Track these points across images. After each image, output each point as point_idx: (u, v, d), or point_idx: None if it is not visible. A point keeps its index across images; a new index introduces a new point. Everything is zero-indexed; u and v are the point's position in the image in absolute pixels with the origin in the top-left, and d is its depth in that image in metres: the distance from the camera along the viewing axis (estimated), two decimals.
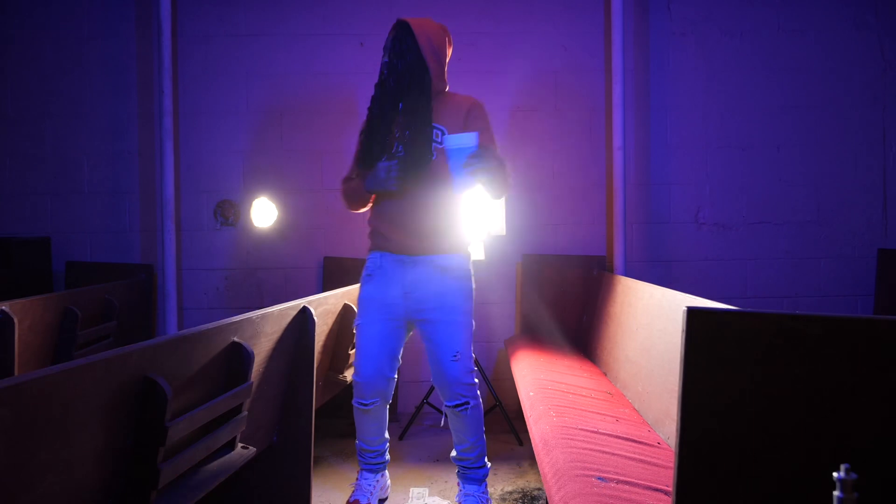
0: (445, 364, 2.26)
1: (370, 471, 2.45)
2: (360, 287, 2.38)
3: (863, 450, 0.90)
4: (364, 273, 2.38)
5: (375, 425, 2.37)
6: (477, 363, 3.39)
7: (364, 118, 2.41)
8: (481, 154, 2.10)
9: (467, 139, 2.12)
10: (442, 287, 2.29)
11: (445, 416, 2.37)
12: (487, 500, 2.37)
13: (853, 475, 0.76)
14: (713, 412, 0.97)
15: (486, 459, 2.37)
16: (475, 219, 3.17)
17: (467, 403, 2.26)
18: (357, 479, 2.48)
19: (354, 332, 2.39)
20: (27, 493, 1.06)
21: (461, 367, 2.26)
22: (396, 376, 2.38)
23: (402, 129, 2.30)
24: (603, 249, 3.82)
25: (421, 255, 2.30)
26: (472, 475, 2.36)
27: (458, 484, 2.40)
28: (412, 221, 2.29)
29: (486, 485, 2.38)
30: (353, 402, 2.35)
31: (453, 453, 2.39)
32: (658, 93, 3.84)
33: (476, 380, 2.30)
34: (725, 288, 3.81)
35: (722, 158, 3.85)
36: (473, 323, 2.34)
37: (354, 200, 2.41)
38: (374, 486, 2.44)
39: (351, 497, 2.42)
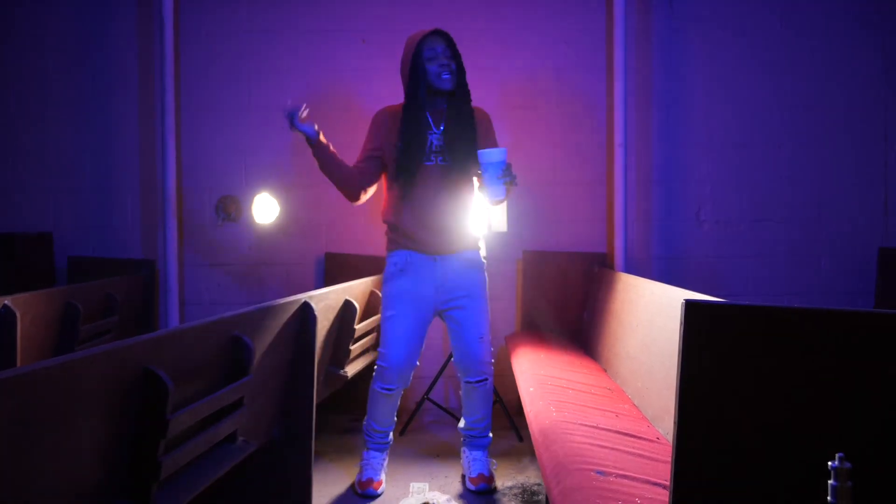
0: (473, 345, 2.55)
1: (377, 450, 2.62)
2: (388, 282, 2.58)
3: (858, 440, 0.91)
4: (393, 269, 2.58)
5: (391, 407, 2.60)
6: None
7: (371, 114, 2.63)
8: (510, 169, 2.40)
9: (499, 154, 2.39)
10: (468, 279, 2.57)
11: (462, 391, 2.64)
12: (490, 460, 2.67)
13: (847, 464, 0.76)
14: (710, 404, 0.97)
15: (489, 431, 2.66)
16: (480, 216, 3.18)
17: (486, 380, 2.57)
18: (363, 459, 2.61)
19: (381, 322, 2.59)
20: (29, 484, 1.07)
21: (485, 348, 2.57)
22: (418, 363, 2.63)
23: (446, 131, 2.54)
24: (604, 246, 3.82)
25: (448, 253, 2.55)
26: (479, 443, 2.64)
27: (464, 451, 2.67)
28: (439, 224, 2.52)
29: (487, 452, 2.66)
30: (375, 386, 2.56)
31: (461, 424, 2.67)
32: (660, 90, 3.84)
33: (492, 359, 2.62)
34: (726, 285, 3.81)
35: (723, 155, 3.85)
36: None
37: (330, 179, 2.58)
38: (382, 464, 2.62)
39: (362, 476, 2.57)
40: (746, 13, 3.84)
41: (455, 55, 2.54)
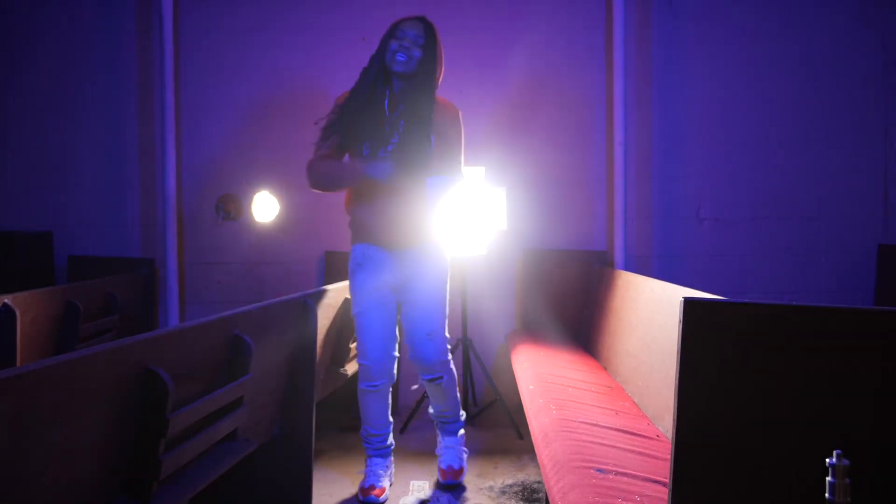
0: (419, 341, 2.44)
1: (379, 456, 2.56)
2: (350, 277, 2.50)
3: (856, 437, 0.91)
4: (352, 264, 2.50)
5: (382, 406, 2.53)
6: (477, 357, 3.40)
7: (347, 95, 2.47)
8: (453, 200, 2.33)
9: (443, 185, 2.34)
10: (423, 273, 2.46)
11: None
12: (462, 448, 2.62)
13: (845, 461, 0.76)
14: (709, 401, 0.97)
15: (459, 414, 2.62)
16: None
17: (441, 377, 2.47)
18: (366, 466, 2.54)
19: (354, 320, 2.50)
20: (30, 482, 1.07)
21: (434, 346, 2.45)
22: (398, 355, 2.55)
23: (400, 117, 2.38)
24: (604, 244, 3.82)
25: (406, 248, 2.45)
26: (451, 428, 2.62)
27: (438, 435, 2.65)
28: (398, 218, 2.41)
29: (462, 436, 2.64)
30: (361, 386, 2.48)
31: (431, 410, 2.63)
32: (659, 88, 3.84)
33: (450, 357, 2.51)
34: (726, 283, 3.82)
35: (723, 153, 3.85)
36: (447, 308, 2.52)
37: (329, 183, 2.46)
38: (385, 471, 2.56)
39: (364, 483, 2.50)
40: (745, 11, 3.83)
41: (428, 46, 2.38)
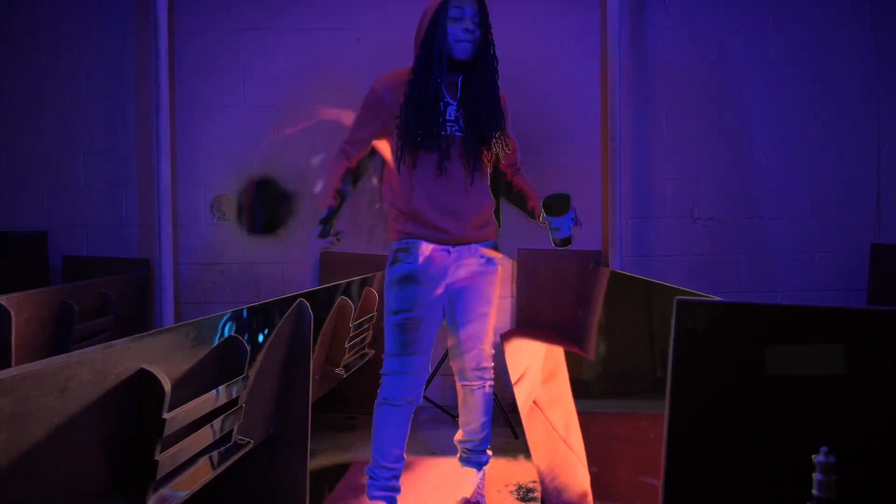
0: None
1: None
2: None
3: (847, 435, 0.92)
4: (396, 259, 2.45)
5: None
6: None
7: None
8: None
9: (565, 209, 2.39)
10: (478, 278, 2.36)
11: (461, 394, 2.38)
12: (481, 485, 2.40)
13: (832, 458, 0.77)
14: (702, 400, 0.98)
15: (488, 447, 2.41)
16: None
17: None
18: None
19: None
20: (24, 484, 1.07)
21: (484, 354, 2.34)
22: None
23: (463, 104, 2.20)
24: (598, 244, 3.83)
25: (467, 243, 2.33)
26: (475, 458, 2.39)
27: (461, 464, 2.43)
28: (457, 205, 2.28)
29: (483, 472, 2.41)
30: None
31: (458, 436, 2.42)
32: (654, 87, 3.85)
33: (492, 363, 2.37)
34: (720, 282, 3.83)
35: (717, 153, 3.86)
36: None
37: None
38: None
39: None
40: (740, 11, 3.85)
41: (483, 24, 2.15)
